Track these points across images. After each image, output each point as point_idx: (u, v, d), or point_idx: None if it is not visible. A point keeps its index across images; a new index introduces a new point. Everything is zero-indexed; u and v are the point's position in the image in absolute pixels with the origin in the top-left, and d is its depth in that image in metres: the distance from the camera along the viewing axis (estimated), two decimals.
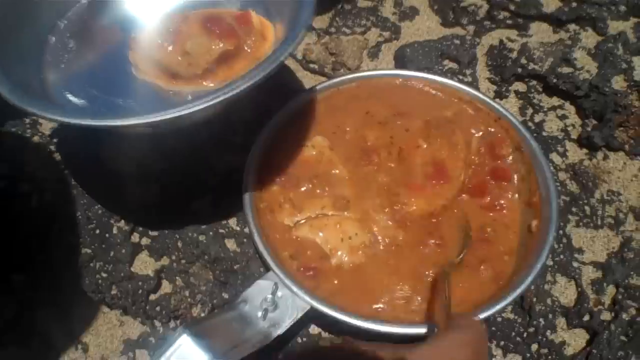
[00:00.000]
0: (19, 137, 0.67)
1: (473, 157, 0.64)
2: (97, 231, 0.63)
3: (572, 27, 0.73)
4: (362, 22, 0.77)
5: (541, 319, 0.59)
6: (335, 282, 0.56)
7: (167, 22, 0.60)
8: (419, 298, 0.56)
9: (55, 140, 0.68)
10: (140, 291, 0.61)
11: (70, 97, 0.57)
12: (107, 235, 0.63)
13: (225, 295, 0.60)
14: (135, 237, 0.64)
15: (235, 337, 0.50)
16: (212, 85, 0.58)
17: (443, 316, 0.48)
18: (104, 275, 0.61)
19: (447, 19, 0.76)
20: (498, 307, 0.52)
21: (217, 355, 0.46)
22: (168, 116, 0.46)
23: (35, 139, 0.67)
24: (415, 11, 0.77)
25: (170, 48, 0.58)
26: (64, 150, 0.68)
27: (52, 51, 0.61)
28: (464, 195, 0.62)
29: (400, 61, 0.74)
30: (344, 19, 0.77)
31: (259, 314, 0.52)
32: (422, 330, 0.51)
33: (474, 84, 0.72)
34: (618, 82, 0.69)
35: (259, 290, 0.54)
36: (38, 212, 0.64)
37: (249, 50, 0.59)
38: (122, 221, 0.64)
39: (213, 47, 0.57)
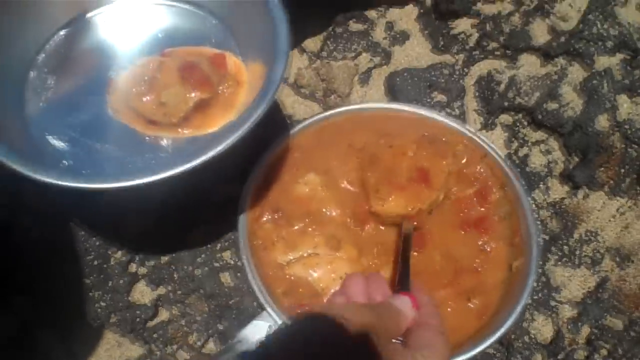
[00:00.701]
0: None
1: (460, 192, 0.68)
2: (96, 262, 0.66)
3: (560, 60, 0.76)
4: (353, 46, 0.79)
5: (519, 356, 0.64)
6: None
7: (142, 69, 0.61)
8: None
9: None
10: (138, 319, 0.65)
11: (51, 140, 0.58)
12: (105, 266, 0.66)
13: (221, 327, 0.64)
14: (132, 267, 0.67)
15: None
16: (187, 132, 0.60)
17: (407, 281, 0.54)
18: (103, 304, 0.65)
19: (437, 45, 0.79)
20: (484, 345, 0.57)
21: None
22: (145, 180, 0.50)
23: None
24: (406, 36, 0.79)
25: (146, 98, 0.59)
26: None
27: (31, 88, 0.62)
28: (460, 230, 0.67)
29: (390, 91, 0.76)
30: (335, 43, 0.79)
31: None
32: None
33: (461, 117, 0.75)
34: (601, 122, 0.72)
35: (255, 330, 0.58)
36: (38, 244, 0.66)
37: (224, 95, 0.61)
38: (120, 252, 0.67)
39: (188, 96, 0.59)
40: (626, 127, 0.72)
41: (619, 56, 0.76)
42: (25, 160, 0.51)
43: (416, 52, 0.79)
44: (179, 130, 0.60)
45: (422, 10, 0.80)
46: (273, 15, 0.58)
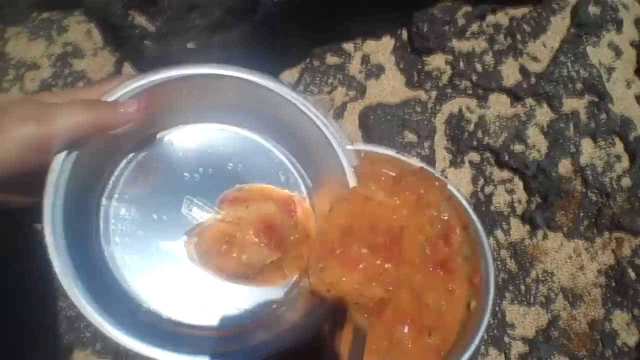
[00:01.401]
0: None
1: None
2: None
3: (529, 101, 0.81)
4: (329, 80, 0.83)
5: None
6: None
7: (221, 226, 0.64)
8: None
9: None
10: None
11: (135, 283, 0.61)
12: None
13: None
14: None
15: None
16: (260, 284, 0.65)
17: None
18: None
19: (411, 80, 0.84)
20: None
21: None
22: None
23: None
24: (381, 69, 0.84)
25: (228, 257, 0.63)
26: None
27: (104, 217, 0.63)
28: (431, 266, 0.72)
29: (364, 127, 0.82)
30: (312, 76, 0.83)
31: None
32: None
33: (430, 157, 0.81)
34: (564, 166, 0.78)
35: None
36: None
37: (293, 248, 0.65)
38: None
39: (266, 255, 0.63)
40: (587, 172, 0.78)
41: (587, 98, 0.82)
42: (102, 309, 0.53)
43: (391, 86, 0.84)
44: (253, 282, 0.64)
45: (398, 44, 0.85)
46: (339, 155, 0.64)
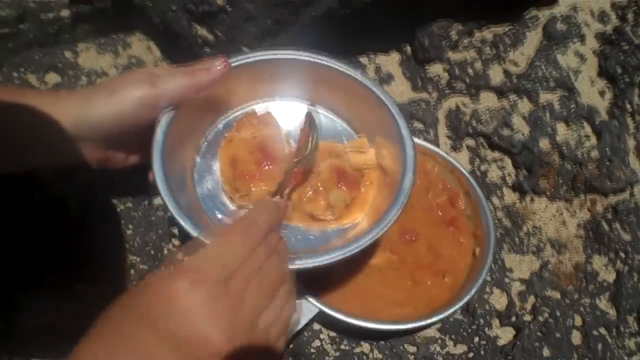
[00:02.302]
0: (85, 177, 0.91)
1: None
2: (152, 252, 0.89)
3: (512, 96, 1.03)
4: None
5: (481, 320, 0.89)
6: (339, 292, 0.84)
7: (306, 180, 0.78)
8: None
9: (114, 180, 0.91)
10: None
11: (219, 215, 0.76)
12: (159, 254, 0.89)
13: None
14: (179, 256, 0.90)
15: None
16: (339, 223, 0.79)
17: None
18: None
19: (416, 85, 1.05)
20: (454, 308, 0.82)
21: None
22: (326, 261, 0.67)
23: (98, 179, 0.91)
24: (391, 77, 1.06)
25: (316, 202, 0.77)
26: (123, 189, 0.93)
27: (199, 171, 0.79)
28: (443, 225, 0.91)
29: None
30: None
31: None
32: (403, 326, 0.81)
33: (435, 141, 1.02)
34: (544, 143, 0.99)
35: None
36: (105, 237, 0.89)
37: (362, 193, 0.80)
38: (170, 244, 0.90)
39: (345, 196, 0.78)
40: (563, 147, 0.98)
41: (559, 93, 1.03)
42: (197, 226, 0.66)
43: (399, 90, 1.06)
44: (335, 223, 0.79)
45: (403, 57, 1.07)
46: (399, 126, 0.77)
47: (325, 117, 0.87)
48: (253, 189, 0.77)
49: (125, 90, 0.69)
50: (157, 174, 0.69)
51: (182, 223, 0.66)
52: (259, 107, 0.86)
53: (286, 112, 0.86)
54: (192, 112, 0.76)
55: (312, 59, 0.81)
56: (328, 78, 0.82)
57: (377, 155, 0.83)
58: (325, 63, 0.81)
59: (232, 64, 0.75)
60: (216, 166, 0.80)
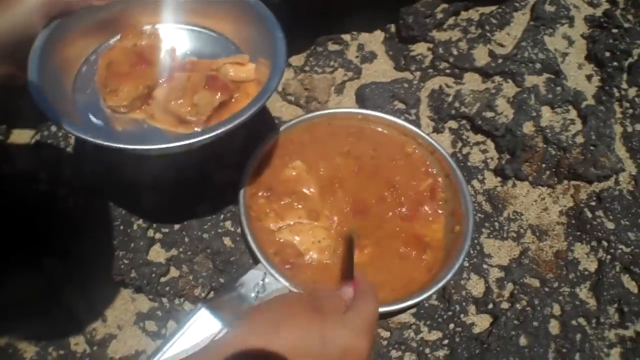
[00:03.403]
0: (55, 149, 0.88)
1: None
2: (121, 227, 0.85)
3: (497, 79, 0.99)
4: (330, 63, 1.01)
5: (457, 306, 0.85)
6: (308, 273, 0.81)
7: (176, 82, 0.79)
8: None
9: (85, 153, 0.90)
10: (153, 275, 0.83)
11: (92, 118, 0.76)
12: (128, 230, 0.85)
13: (222, 280, 0.84)
14: (150, 233, 0.86)
15: (235, 311, 0.73)
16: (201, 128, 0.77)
17: (352, 272, 0.73)
18: (125, 261, 0.84)
19: (399, 64, 1.02)
20: (429, 292, 0.79)
21: (226, 324, 0.69)
22: (183, 143, 0.67)
23: (69, 151, 0.89)
24: (374, 56, 1.02)
25: (181, 101, 0.76)
26: (93, 162, 0.89)
27: (82, 79, 0.79)
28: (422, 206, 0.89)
29: (360, 99, 0.99)
30: (316, 60, 1.01)
31: (253, 294, 0.75)
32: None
33: (416, 122, 0.98)
34: (528, 127, 0.95)
35: (252, 277, 0.77)
36: (73, 210, 0.86)
37: (236, 101, 0.79)
38: (141, 220, 0.87)
39: (214, 98, 0.77)
40: (547, 131, 0.95)
41: (545, 76, 1.00)
42: (81, 129, 0.67)
43: (382, 69, 1.02)
44: (201, 125, 0.77)
45: (387, 35, 1.03)
46: (275, 37, 0.77)
47: (211, 37, 0.87)
48: (123, 87, 0.77)
49: (18, 2, 0.68)
50: (32, 73, 0.69)
51: (48, 114, 0.67)
52: (150, 28, 0.86)
53: (174, 34, 0.86)
54: (84, 27, 0.78)
55: None
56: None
57: (257, 71, 0.81)
58: None
59: None
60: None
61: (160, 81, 0.79)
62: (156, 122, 0.77)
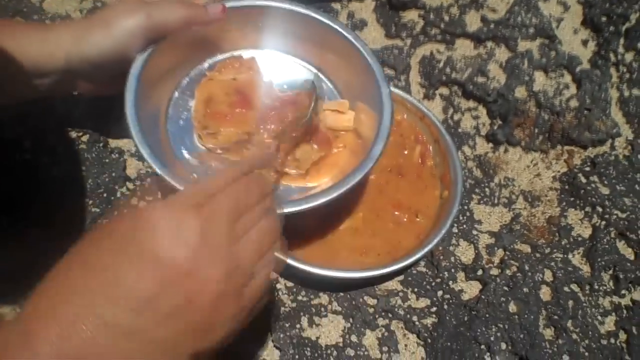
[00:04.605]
0: (40, 119, 0.86)
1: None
2: (105, 195, 0.83)
3: (489, 44, 0.96)
4: None
5: (446, 273, 0.82)
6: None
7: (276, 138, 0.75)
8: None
9: (70, 121, 0.87)
10: None
11: (185, 154, 0.73)
12: (112, 198, 0.83)
13: None
14: (134, 200, 0.84)
15: None
16: (304, 181, 0.76)
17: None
18: None
19: (389, 31, 0.98)
20: (418, 255, 0.77)
21: None
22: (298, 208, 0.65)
23: (53, 120, 0.87)
24: (364, 23, 0.99)
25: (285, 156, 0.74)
26: (77, 130, 0.87)
27: (174, 106, 0.77)
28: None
29: None
30: None
31: None
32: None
33: (406, 88, 0.95)
34: (520, 92, 0.92)
35: None
36: (57, 179, 0.84)
37: (333, 155, 0.78)
38: (124, 187, 0.85)
39: (314, 153, 0.75)
40: (540, 95, 0.91)
41: (539, 41, 0.96)
42: (164, 166, 0.64)
43: (372, 37, 0.99)
44: (300, 180, 0.76)
45: (378, 3, 1.00)
46: (380, 89, 0.75)
47: (310, 72, 0.85)
48: (222, 130, 0.74)
49: (120, 22, 0.66)
50: (129, 108, 0.66)
51: (148, 159, 0.64)
52: (245, 53, 0.83)
53: (272, 62, 0.83)
54: (178, 49, 0.74)
55: (306, 12, 0.80)
56: (319, 34, 0.80)
57: (356, 120, 0.79)
58: (320, 19, 0.79)
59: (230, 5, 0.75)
60: (192, 104, 0.77)
61: (261, 127, 0.75)
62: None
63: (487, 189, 0.89)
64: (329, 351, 0.76)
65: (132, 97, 0.67)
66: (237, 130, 0.73)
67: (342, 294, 0.80)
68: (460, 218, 0.86)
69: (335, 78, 0.84)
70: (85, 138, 0.87)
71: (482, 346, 0.77)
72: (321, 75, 0.84)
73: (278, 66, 0.83)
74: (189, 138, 0.75)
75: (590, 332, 0.79)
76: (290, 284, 0.80)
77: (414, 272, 0.82)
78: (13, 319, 0.43)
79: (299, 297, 0.79)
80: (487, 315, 0.78)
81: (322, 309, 0.79)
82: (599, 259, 0.83)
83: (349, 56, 0.79)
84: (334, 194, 0.66)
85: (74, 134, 0.87)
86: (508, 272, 0.82)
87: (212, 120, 0.74)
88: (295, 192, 0.74)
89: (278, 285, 0.80)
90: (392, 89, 0.89)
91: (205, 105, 0.76)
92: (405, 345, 0.79)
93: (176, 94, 0.78)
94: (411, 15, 0.98)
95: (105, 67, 0.69)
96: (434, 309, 0.80)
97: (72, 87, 0.74)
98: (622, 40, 0.97)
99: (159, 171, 0.63)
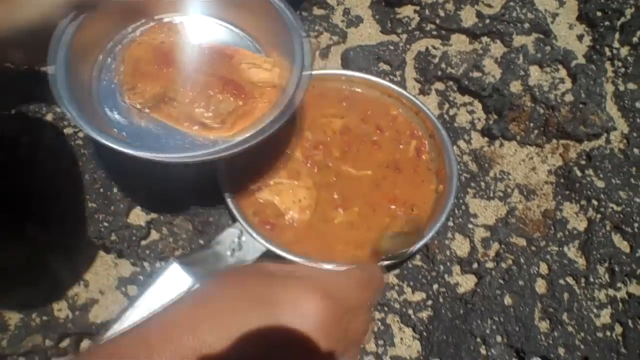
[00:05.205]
0: (37, 114, 0.86)
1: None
2: (101, 190, 0.83)
3: (485, 39, 0.95)
4: (315, 27, 0.98)
5: (441, 266, 0.82)
6: (290, 234, 0.78)
7: (196, 86, 0.75)
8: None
9: (66, 117, 0.86)
10: (134, 237, 0.81)
11: (108, 112, 0.74)
12: (108, 193, 0.83)
13: (201, 241, 0.81)
14: (131, 195, 0.84)
15: (210, 268, 0.71)
16: (221, 132, 0.75)
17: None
18: (105, 224, 0.81)
19: (385, 27, 0.98)
20: (415, 247, 0.75)
21: (197, 279, 0.67)
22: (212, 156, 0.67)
23: (50, 116, 0.87)
24: (360, 19, 0.99)
25: (202, 106, 0.74)
26: (74, 125, 0.87)
27: (100, 69, 0.77)
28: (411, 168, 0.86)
29: (345, 61, 0.95)
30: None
31: (228, 252, 0.72)
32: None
33: (402, 83, 0.94)
34: (515, 86, 0.91)
35: (228, 235, 0.74)
36: (54, 175, 0.83)
37: (253, 107, 0.76)
38: (121, 183, 0.84)
39: (232, 104, 0.74)
40: (535, 90, 0.91)
41: (534, 36, 0.96)
42: (90, 123, 0.65)
43: (368, 33, 0.98)
44: (224, 132, 0.75)
45: (374, 0, 1.00)
46: (298, 38, 0.75)
47: (235, 33, 0.85)
48: (148, 88, 0.74)
49: None
50: (51, 63, 0.67)
51: (79, 121, 0.65)
52: (174, 19, 0.83)
53: (199, 26, 0.84)
54: (108, 17, 0.75)
55: None
56: None
57: (279, 75, 0.78)
58: None
59: None
60: (120, 66, 0.78)
61: (184, 84, 0.76)
62: (178, 124, 0.75)
63: (482, 183, 0.88)
64: None
65: (63, 65, 0.67)
66: (162, 88, 0.74)
67: None
68: (456, 212, 0.86)
69: (257, 35, 0.84)
70: (81, 134, 0.86)
71: (478, 339, 0.77)
72: (244, 33, 0.84)
73: (204, 29, 0.84)
74: (113, 97, 0.76)
75: (585, 325, 0.79)
76: None
77: (410, 265, 0.82)
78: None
79: None
80: (482, 309, 0.78)
81: None
82: (595, 252, 0.83)
83: (267, 14, 0.78)
84: (252, 142, 0.68)
85: (70, 130, 0.87)
86: (503, 265, 0.81)
87: (139, 80, 0.75)
88: (215, 144, 0.74)
89: None
90: (387, 83, 0.89)
91: (133, 66, 0.77)
92: (401, 339, 0.79)
93: (108, 59, 0.78)
94: (407, 11, 0.98)
95: (30, 34, 0.67)
96: (430, 302, 0.80)
97: (4, 56, 0.72)
98: (617, 35, 0.97)
99: (90, 133, 0.64)
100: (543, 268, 0.82)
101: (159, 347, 0.43)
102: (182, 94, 0.75)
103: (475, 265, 0.82)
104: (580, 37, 0.97)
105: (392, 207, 0.82)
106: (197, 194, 0.84)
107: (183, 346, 0.43)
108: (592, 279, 0.81)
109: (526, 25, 0.95)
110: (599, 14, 0.97)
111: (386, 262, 0.75)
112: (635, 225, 0.85)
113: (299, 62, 0.74)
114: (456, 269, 0.83)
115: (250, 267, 0.62)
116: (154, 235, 0.83)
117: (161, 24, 0.81)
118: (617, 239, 0.85)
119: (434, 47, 0.96)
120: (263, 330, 0.46)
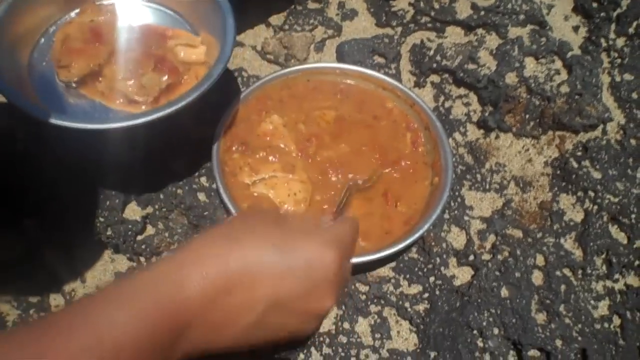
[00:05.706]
0: None
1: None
2: (97, 184, 0.83)
3: (480, 31, 0.94)
4: (310, 21, 0.97)
5: (437, 258, 0.81)
6: None
7: (125, 62, 0.80)
8: None
9: None
10: (129, 232, 0.80)
11: (42, 90, 0.78)
12: (104, 188, 0.83)
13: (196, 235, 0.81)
14: (126, 190, 0.83)
15: None
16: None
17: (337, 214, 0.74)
18: (101, 219, 0.80)
19: (380, 20, 0.97)
20: (409, 241, 0.75)
21: None
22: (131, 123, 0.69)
23: None
24: (355, 13, 0.98)
25: (130, 82, 0.77)
26: None
27: (39, 51, 0.81)
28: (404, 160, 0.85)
29: (340, 55, 0.94)
30: (296, 18, 0.97)
31: None
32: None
33: (397, 76, 0.93)
34: (511, 78, 0.90)
35: None
36: (50, 169, 0.83)
37: (186, 83, 0.80)
38: (116, 177, 0.83)
39: (161, 80, 0.78)
40: (531, 81, 0.90)
41: (529, 27, 0.95)
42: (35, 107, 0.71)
43: (363, 26, 0.98)
44: (141, 105, 0.78)
45: None
46: (225, 19, 0.78)
47: (167, 14, 0.89)
48: (75, 64, 0.78)
49: None
50: None
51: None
52: (108, 4, 0.87)
53: (131, 8, 0.88)
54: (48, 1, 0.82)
55: None
56: None
57: (208, 54, 0.82)
58: None
59: None
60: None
61: (112, 60, 0.80)
62: (106, 100, 0.78)
63: (478, 175, 0.87)
64: (321, 338, 0.75)
65: None
66: (89, 63, 0.78)
67: None
68: (452, 204, 0.85)
69: (187, 15, 0.87)
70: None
71: (475, 331, 0.76)
72: (175, 14, 0.88)
73: (137, 11, 0.88)
74: (50, 77, 0.79)
75: (583, 317, 0.77)
76: None
77: (406, 258, 0.81)
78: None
79: None
80: (479, 301, 0.77)
81: None
82: (592, 244, 0.82)
83: None
84: (167, 110, 0.70)
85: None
86: (500, 257, 0.80)
87: (67, 55, 0.78)
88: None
89: None
90: (382, 75, 0.88)
91: (63, 44, 0.80)
92: (398, 332, 0.78)
93: (42, 40, 0.82)
94: (402, 4, 0.97)
95: None
96: (426, 295, 0.79)
97: None
98: (613, 26, 0.96)
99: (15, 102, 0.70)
100: (540, 260, 0.81)
101: (191, 270, 0.48)
102: (111, 70, 0.79)
103: (471, 258, 0.81)
104: (575, 28, 0.96)
105: (387, 199, 0.81)
106: (192, 188, 0.83)
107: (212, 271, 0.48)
108: (589, 271, 0.80)
109: (521, 16, 0.94)
110: (594, 5, 0.96)
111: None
112: (633, 216, 0.83)
113: (224, 39, 0.77)
114: (452, 261, 0.82)
115: (267, 212, 0.65)
116: (150, 230, 0.82)
117: (93, 5, 0.85)
118: (614, 230, 0.84)
119: (429, 40, 0.95)
120: (287, 272, 0.52)
